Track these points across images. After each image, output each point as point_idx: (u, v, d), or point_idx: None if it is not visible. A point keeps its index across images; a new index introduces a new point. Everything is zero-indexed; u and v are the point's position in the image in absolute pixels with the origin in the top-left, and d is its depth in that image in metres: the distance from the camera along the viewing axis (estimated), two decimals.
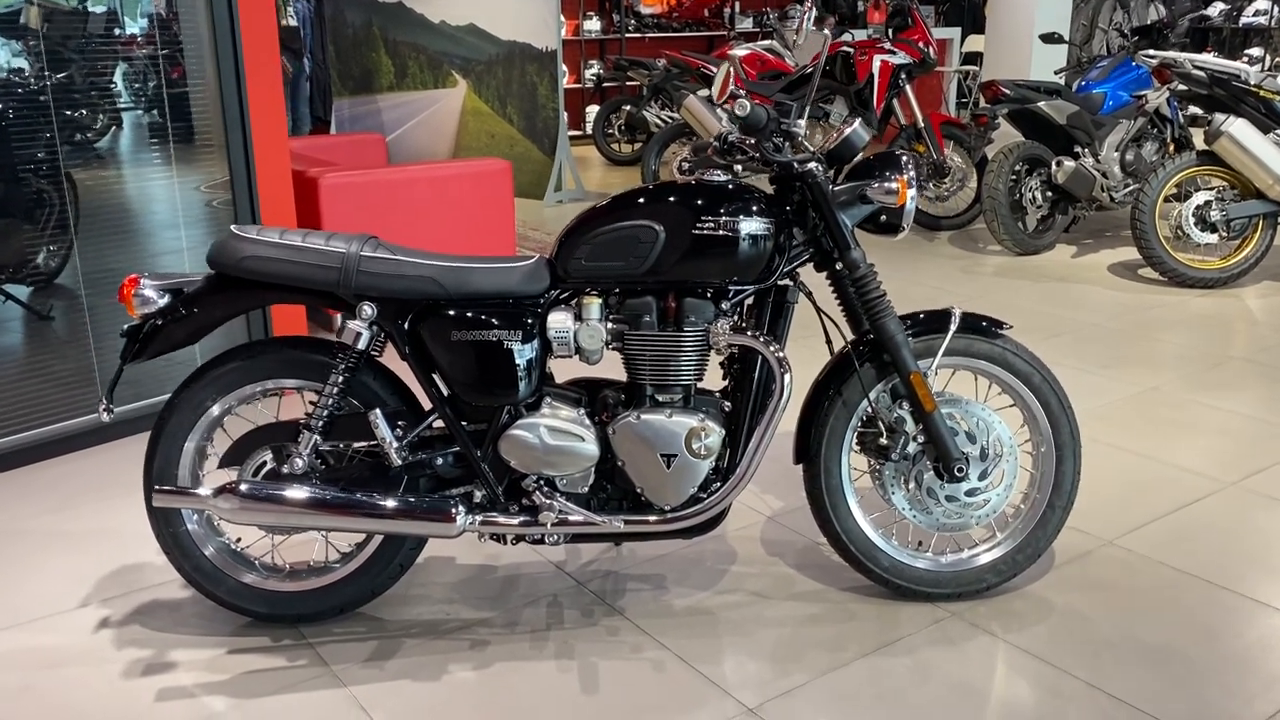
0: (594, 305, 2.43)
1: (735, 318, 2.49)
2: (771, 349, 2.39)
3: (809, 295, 2.59)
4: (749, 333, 2.41)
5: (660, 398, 2.45)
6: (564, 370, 2.57)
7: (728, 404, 2.48)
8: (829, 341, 2.61)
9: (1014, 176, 6.21)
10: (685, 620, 2.56)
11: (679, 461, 2.40)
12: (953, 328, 2.55)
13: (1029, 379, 2.58)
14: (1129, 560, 2.82)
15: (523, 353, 2.39)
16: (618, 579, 2.74)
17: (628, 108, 9.77)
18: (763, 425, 2.41)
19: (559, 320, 2.41)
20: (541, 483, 2.45)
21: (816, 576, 2.74)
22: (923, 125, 6.92)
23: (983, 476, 2.57)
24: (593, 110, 11.25)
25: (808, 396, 2.61)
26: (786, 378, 2.39)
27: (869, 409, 2.56)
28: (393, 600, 2.64)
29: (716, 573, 2.78)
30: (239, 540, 2.56)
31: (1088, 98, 6.30)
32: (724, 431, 2.43)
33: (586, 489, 2.47)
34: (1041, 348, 4.60)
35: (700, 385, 2.54)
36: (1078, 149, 6.23)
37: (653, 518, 2.44)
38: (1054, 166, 6.14)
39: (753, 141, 2.44)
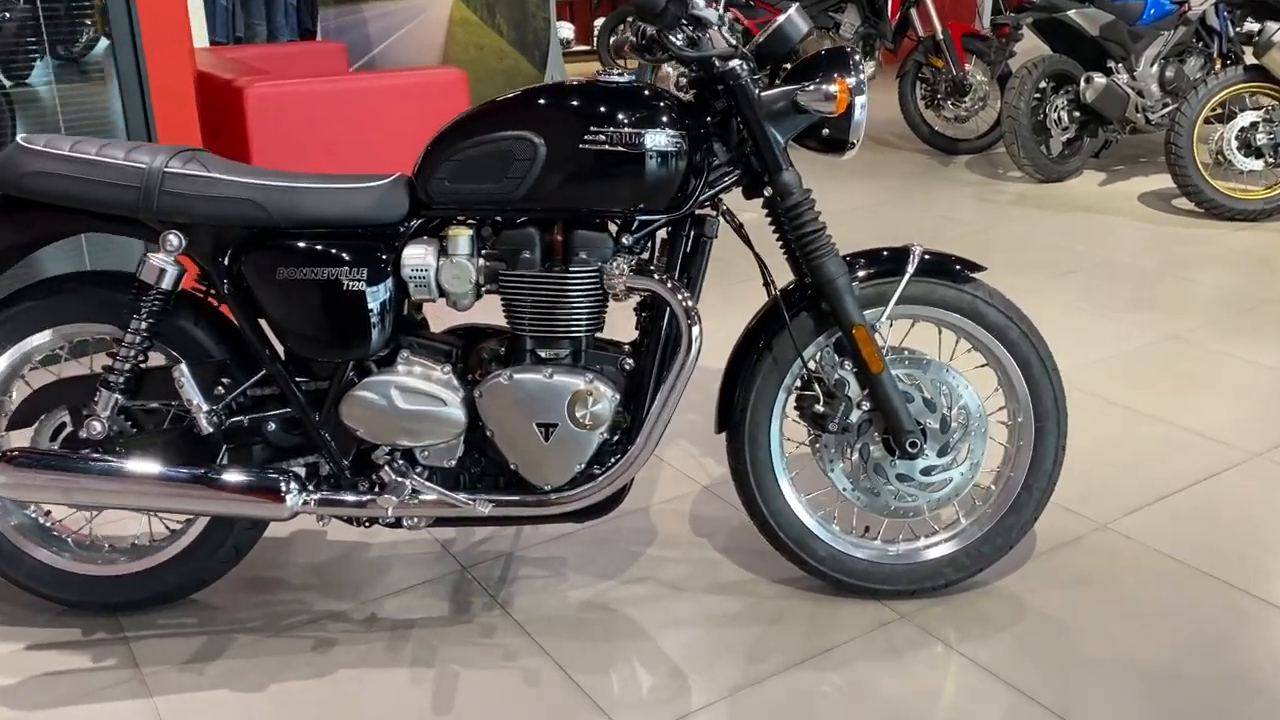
0: (462, 238, 1.96)
1: (642, 255, 2.02)
2: (679, 296, 1.93)
3: (740, 229, 2.11)
4: (654, 274, 1.94)
5: (543, 353, 1.99)
6: (454, 317, 2.12)
7: (631, 362, 2.03)
8: (768, 285, 2.14)
9: (1038, 94, 5.61)
10: (578, 618, 2.14)
11: (560, 432, 1.95)
12: (910, 270, 2.06)
13: (1004, 334, 2.10)
14: (1125, 550, 2.36)
15: (369, 295, 1.94)
16: (511, 563, 2.33)
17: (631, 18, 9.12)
18: (666, 388, 1.95)
19: (415, 256, 1.95)
20: (397, 455, 2.02)
21: (747, 564, 2.31)
22: (942, 38, 6.30)
23: (943, 452, 2.11)
24: (600, 22, 10.60)
25: (733, 352, 2.14)
26: (695, 330, 1.93)
27: (804, 368, 2.10)
28: (236, 584, 2.24)
29: (628, 556, 2.35)
30: (48, 513, 2.16)
31: (1125, 6, 5.64)
32: (619, 396, 1.98)
33: (454, 463, 2.03)
34: (1051, 287, 4.08)
35: (603, 338, 2.09)
36: (1110, 64, 5.60)
37: (530, 499, 2.00)
38: (1083, 83, 5.52)
39: (657, 34, 1.95)
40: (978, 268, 2.11)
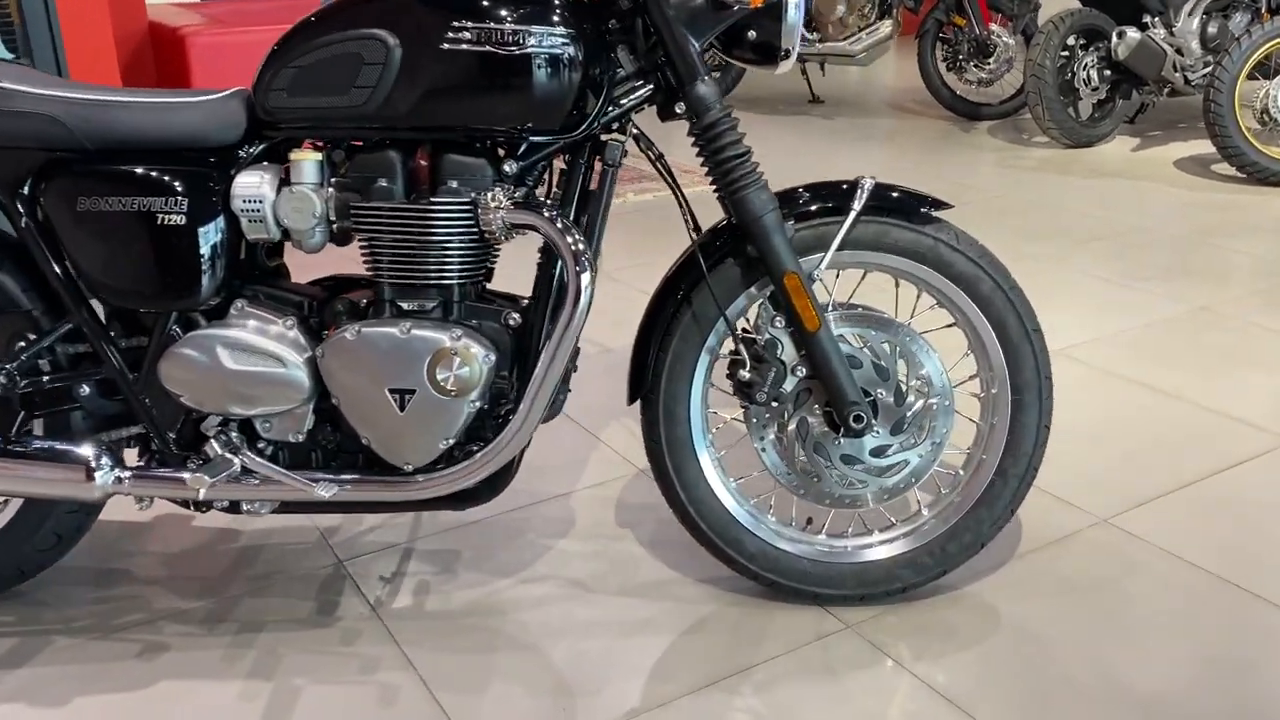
0: (306, 163, 1.62)
1: (528, 186, 1.67)
2: (569, 237, 1.57)
3: (659, 160, 1.75)
4: (540, 209, 1.59)
5: (405, 304, 1.65)
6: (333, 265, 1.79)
7: (517, 317, 1.68)
8: (696, 230, 1.78)
9: (1065, 52, 5.16)
10: (460, 623, 1.80)
11: (418, 400, 1.61)
12: (857, 206, 1.69)
13: (974, 286, 1.72)
14: (1127, 551, 1.98)
15: (192, 232, 1.61)
16: (396, 555, 1.99)
17: None
18: (550, 348, 1.60)
19: (249, 184, 1.62)
20: (232, 427, 1.69)
21: (673, 561, 1.96)
22: None
23: (898, 429, 1.74)
24: None
25: (649, 307, 1.79)
26: (584, 277, 1.57)
27: (728, 326, 1.74)
28: (74, 577, 1.92)
29: (535, 550, 2.01)
30: None
31: None
32: (496, 356, 1.63)
33: (302, 437, 1.69)
34: (1070, 254, 3.67)
35: (495, 291, 1.75)
36: (1146, 18, 5.14)
37: (387, 482, 1.66)
38: (1114, 39, 5.06)
39: None
40: (942, 205, 1.73)
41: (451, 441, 1.64)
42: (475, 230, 1.62)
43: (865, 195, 1.70)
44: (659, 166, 1.76)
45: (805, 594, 1.82)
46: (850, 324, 1.73)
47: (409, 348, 1.59)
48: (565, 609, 1.83)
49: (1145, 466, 2.27)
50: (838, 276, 1.78)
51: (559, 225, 1.58)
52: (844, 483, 1.76)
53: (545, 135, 1.61)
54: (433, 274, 1.62)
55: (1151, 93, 5.34)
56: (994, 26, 5.91)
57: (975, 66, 5.98)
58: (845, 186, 1.72)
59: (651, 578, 1.91)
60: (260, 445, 1.70)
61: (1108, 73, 5.23)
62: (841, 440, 1.74)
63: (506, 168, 1.63)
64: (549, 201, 1.68)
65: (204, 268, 1.62)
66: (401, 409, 1.61)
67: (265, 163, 1.65)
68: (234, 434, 1.67)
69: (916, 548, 1.80)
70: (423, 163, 1.61)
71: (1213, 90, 4.52)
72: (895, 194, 1.73)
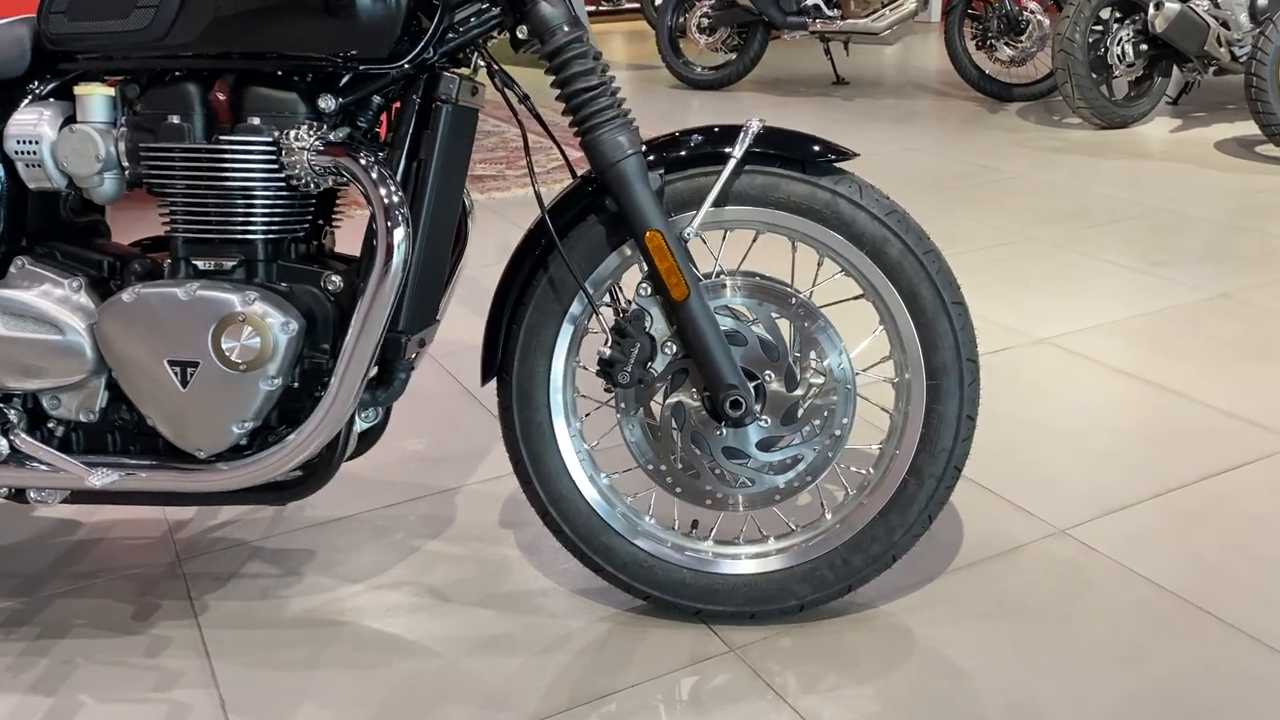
0: (93, 99, 1.40)
1: (359, 128, 1.43)
2: (384, 189, 1.33)
3: (524, 101, 1.50)
4: (358, 152, 1.35)
5: (201, 263, 1.42)
6: None
7: (338, 281, 1.44)
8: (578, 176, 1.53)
9: (1098, 25, 4.80)
10: (285, 636, 1.57)
11: (203, 374, 1.37)
12: (737, 152, 1.42)
13: (881, 251, 1.45)
14: (1081, 566, 1.68)
15: None
16: (243, 554, 1.76)
17: None
18: (358, 317, 1.36)
19: (24, 123, 1.40)
20: (14, 403, 1.47)
21: (549, 567, 1.70)
22: None
23: (789, 419, 1.47)
24: None
25: (503, 274, 1.54)
26: (397, 233, 1.33)
27: (585, 293, 1.48)
28: None
29: (400, 551, 1.77)
30: None
31: None
32: (297, 325, 1.38)
33: (95, 416, 1.47)
34: (1083, 236, 3.34)
35: (339, 253, 1.52)
36: None
37: (172, 470, 1.43)
38: (1151, 10, 4.69)
39: None
40: (844, 153, 1.45)
41: (249, 425, 1.40)
42: (281, 175, 1.38)
43: (749, 139, 1.43)
44: (515, 109, 1.51)
45: (686, 610, 1.56)
46: (733, 294, 1.46)
47: (191, 313, 1.36)
48: (413, 622, 1.59)
49: (1124, 469, 1.97)
50: (724, 238, 1.52)
51: (374, 172, 1.34)
52: (728, 480, 1.49)
53: (369, 65, 1.37)
54: (231, 227, 1.39)
55: (1195, 70, 4.94)
56: (1027, 1, 5.55)
57: (1006, 44, 5.63)
58: (727, 130, 1.45)
59: (520, 587, 1.66)
60: (50, 425, 1.49)
61: (1144, 47, 4.85)
62: (724, 430, 1.48)
63: (323, 104, 1.40)
64: (373, 145, 1.44)
65: None
66: (184, 385, 1.37)
67: (51, 100, 1.44)
68: (12, 411, 1.45)
69: (816, 559, 1.53)
70: (221, 97, 1.38)
71: (1255, 64, 4.14)
72: (787, 139, 1.45)
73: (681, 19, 6.33)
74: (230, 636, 1.56)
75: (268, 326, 1.35)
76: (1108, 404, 2.24)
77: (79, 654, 1.53)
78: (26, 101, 1.43)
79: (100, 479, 1.38)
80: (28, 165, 1.41)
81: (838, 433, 1.48)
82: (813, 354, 1.47)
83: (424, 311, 1.47)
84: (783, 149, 1.44)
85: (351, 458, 1.57)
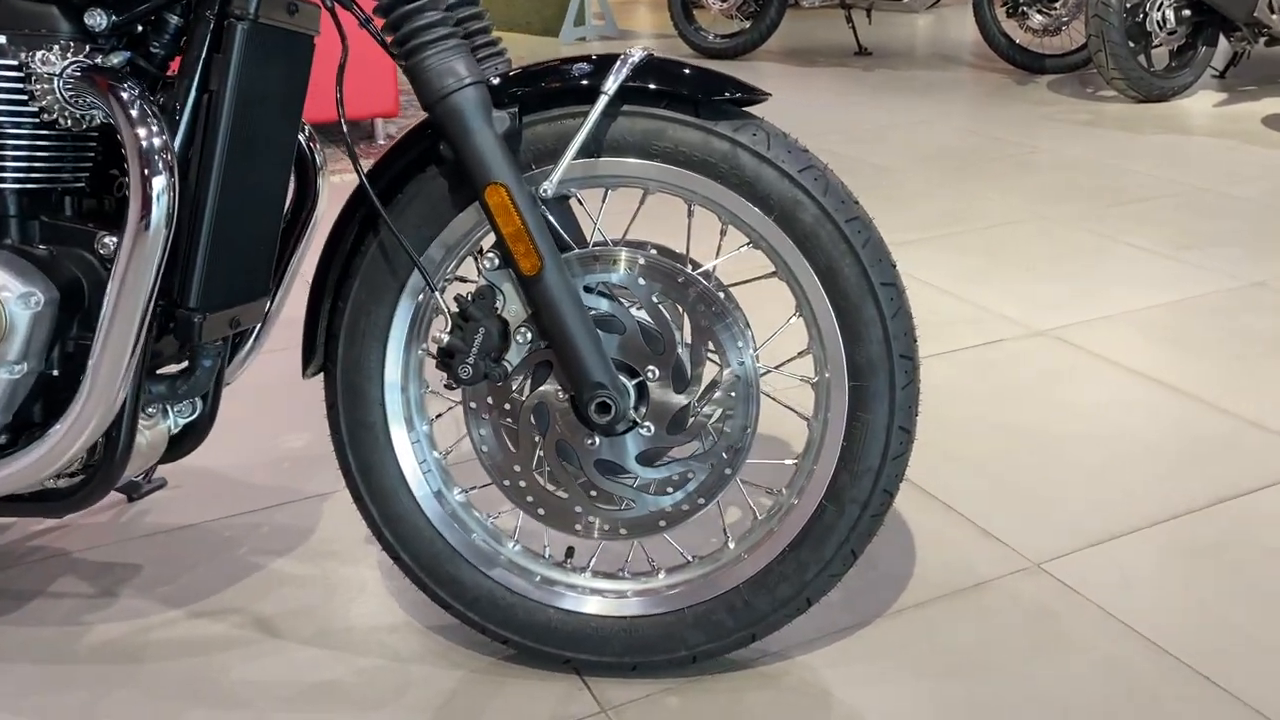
0: None
1: (152, 58, 1.15)
2: (143, 129, 1.04)
3: (363, 20, 1.20)
4: (119, 82, 1.06)
5: None
6: None
7: (114, 242, 1.15)
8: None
9: None
10: (69, 675, 1.29)
11: None
12: (610, 88, 1.12)
13: (792, 216, 1.13)
14: (1051, 609, 1.36)
15: None
16: (59, 566, 1.49)
17: None
18: (111, 287, 1.07)
19: None
20: None
21: (410, 596, 1.40)
22: None
23: (676, 427, 1.17)
24: None
25: (325, 245, 1.25)
26: (156, 183, 1.04)
27: (416, 265, 1.18)
28: None
29: (241, 568, 1.49)
30: None
31: None
32: (44, 297, 1.10)
33: None
34: (1103, 215, 2.99)
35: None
36: None
37: None
38: None
39: None
40: (752, 95, 1.14)
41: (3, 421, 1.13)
42: (33, 110, 1.10)
43: (626, 71, 1.12)
44: (342, 31, 1.21)
45: (553, 658, 1.26)
46: (608, 269, 1.16)
47: None
48: (226, 661, 1.31)
49: (1122, 489, 1.65)
50: (604, 198, 1.22)
51: (132, 108, 1.05)
52: (601, 501, 1.20)
53: None
54: None
55: (1244, 40, 4.54)
56: None
57: (1038, 11, 5.24)
58: (603, 60, 1.15)
59: (366, 620, 1.38)
60: None
61: (1187, 13, 4.45)
62: (596, 440, 1.18)
63: (90, 21, 1.11)
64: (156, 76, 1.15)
65: None
66: None
67: None
68: None
69: (712, 600, 1.23)
70: None
71: None
72: (676, 72, 1.15)
73: None
74: (8, 673, 1.29)
75: (1, 300, 1.07)
76: (1111, 408, 1.91)
77: None
78: None
79: None
80: None
81: (739, 445, 1.17)
82: (709, 345, 1.17)
83: (232, 284, 1.19)
84: (670, 83, 1.13)
85: (170, 459, 1.30)
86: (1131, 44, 4.41)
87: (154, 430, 1.25)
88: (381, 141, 4.03)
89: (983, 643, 1.31)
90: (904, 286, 1.16)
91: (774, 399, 1.26)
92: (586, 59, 1.16)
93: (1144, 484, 1.66)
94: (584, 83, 1.13)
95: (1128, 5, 4.37)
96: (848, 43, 6.14)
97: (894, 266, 1.16)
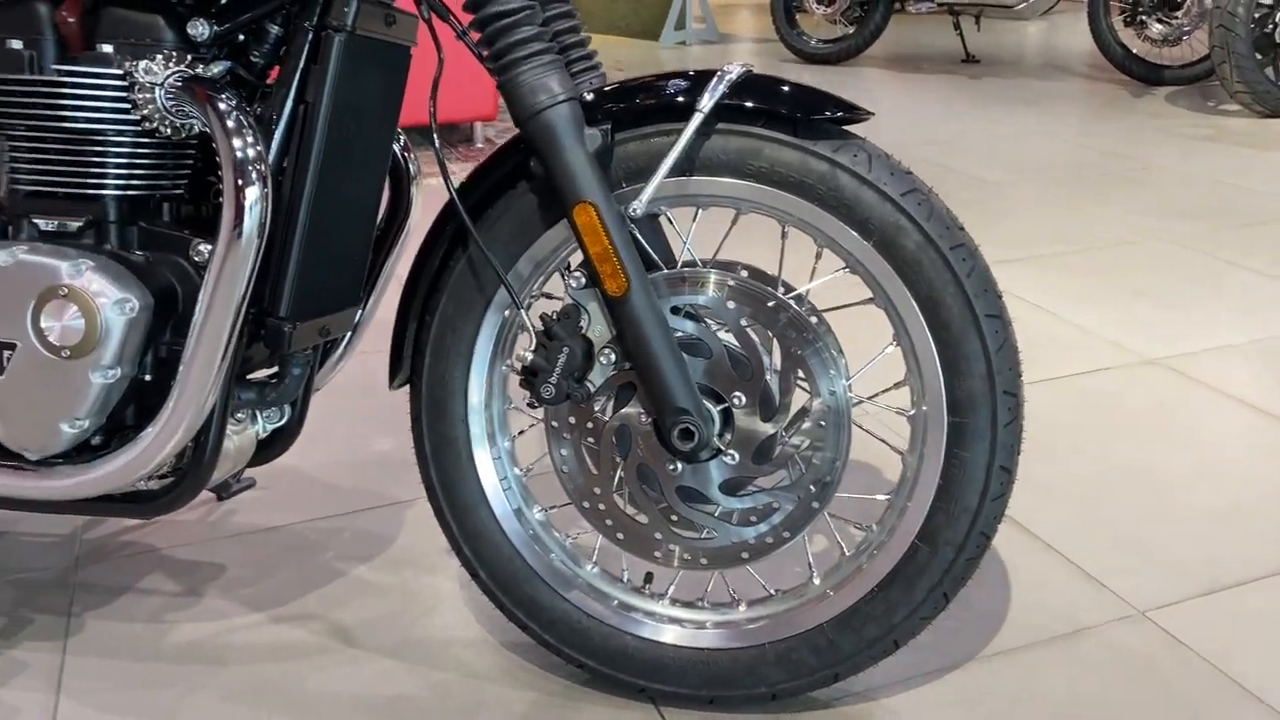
0: None
1: (253, 66, 1.16)
2: (239, 140, 1.05)
3: (464, 37, 1.19)
4: (217, 92, 1.07)
5: (43, 221, 1.17)
6: None
7: (207, 249, 1.15)
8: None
9: None
10: (154, 674, 1.30)
11: (20, 359, 1.11)
12: (705, 104, 1.08)
13: (893, 241, 1.09)
14: (1156, 663, 1.29)
15: None
16: (148, 563, 1.52)
17: None
18: (204, 295, 1.08)
19: None
20: None
21: (482, 611, 1.39)
22: None
23: (763, 456, 1.13)
24: None
25: (414, 261, 1.24)
26: (249, 193, 1.04)
27: (502, 281, 1.16)
28: None
29: (324, 574, 1.49)
30: None
31: None
32: (139, 304, 1.11)
33: None
34: (1217, 240, 2.85)
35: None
36: None
37: (11, 469, 1.18)
38: None
39: None
40: (853, 112, 1.10)
41: (84, 424, 1.13)
42: (135, 119, 1.12)
43: (723, 89, 1.09)
44: (438, 42, 1.20)
45: (628, 686, 1.23)
46: (697, 290, 1.13)
47: (9, 283, 1.10)
48: (303, 669, 1.31)
49: (1240, 533, 1.55)
50: (696, 217, 1.18)
51: (229, 118, 1.06)
52: (682, 528, 1.16)
53: None
54: (75, 179, 1.13)
55: None
56: None
57: (1158, 20, 5.04)
58: (699, 76, 1.11)
59: (443, 633, 1.37)
60: None
61: None
62: (679, 466, 1.15)
63: (193, 31, 1.12)
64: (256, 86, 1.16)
65: None
66: (0, 370, 1.12)
67: None
68: None
69: (795, 637, 1.18)
70: (69, 19, 1.12)
71: None
72: (774, 89, 1.11)
73: None
74: (93, 668, 1.32)
75: (96, 306, 1.09)
76: (1227, 446, 1.81)
77: None
78: None
79: None
80: None
81: (828, 478, 1.13)
82: (800, 373, 1.13)
83: (323, 294, 1.19)
84: (768, 101, 1.09)
85: (258, 463, 1.31)
86: (1259, 55, 4.22)
87: (242, 435, 1.26)
88: (480, 145, 4.06)
89: (1079, 695, 1.24)
90: (1010, 319, 1.10)
91: (866, 430, 1.21)
92: (682, 75, 1.13)
93: (1263, 531, 1.56)
94: (679, 100, 1.10)
95: (1255, 15, 4.17)
96: (955, 50, 6.00)
97: (999, 297, 1.10)
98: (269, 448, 1.31)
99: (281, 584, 1.48)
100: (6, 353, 1.11)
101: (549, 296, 1.23)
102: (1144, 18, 5.07)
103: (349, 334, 1.35)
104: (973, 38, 6.00)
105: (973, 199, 3.26)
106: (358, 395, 1.90)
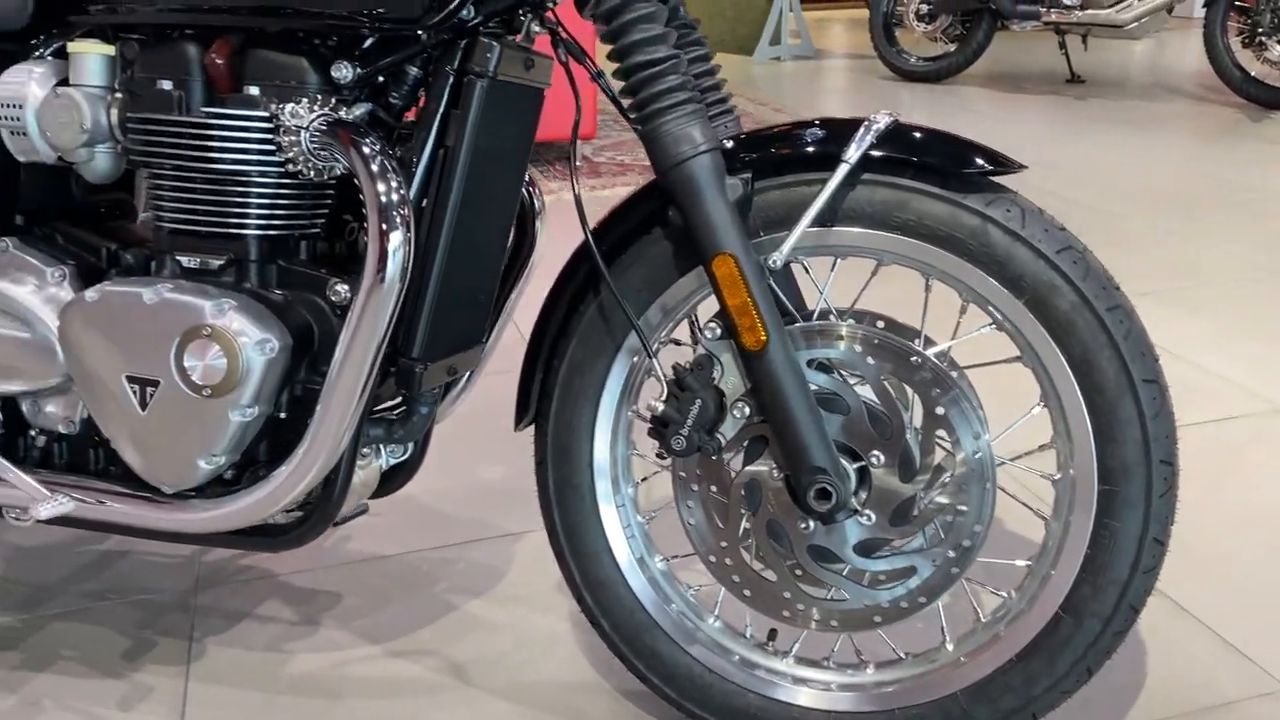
0: (88, 58, 1.19)
1: (392, 106, 1.16)
2: (383, 184, 1.05)
3: (599, 79, 1.18)
4: (361, 136, 1.07)
5: (186, 259, 1.18)
6: None
7: (344, 290, 1.16)
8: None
9: None
10: (273, 705, 1.31)
11: (163, 396, 1.13)
12: (852, 155, 1.05)
13: (1045, 301, 1.04)
14: None
15: None
16: (266, 588, 1.53)
17: None
18: (345, 336, 1.08)
19: (8, 85, 1.20)
20: None
21: (596, 655, 1.37)
22: None
23: (900, 517, 1.09)
24: None
25: (544, 305, 1.23)
26: (393, 238, 1.04)
27: (635, 329, 1.14)
28: None
29: (436, 607, 1.49)
30: None
31: None
32: (279, 343, 1.12)
33: (77, 427, 1.27)
34: None
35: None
36: None
37: (143, 501, 1.20)
38: None
39: None
40: (1004, 164, 1.06)
41: (220, 460, 1.15)
42: (279, 160, 1.13)
43: (870, 139, 1.06)
44: (576, 88, 1.19)
45: None
46: (834, 344, 1.10)
47: (154, 321, 1.12)
48: (418, 707, 1.31)
49: None
50: (834, 267, 1.15)
51: (374, 162, 1.06)
52: (813, 588, 1.13)
53: (394, 26, 1.09)
54: (218, 218, 1.14)
55: None
56: None
57: (1278, 42, 4.85)
58: (845, 125, 1.09)
59: (557, 676, 1.36)
60: (32, 435, 1.29)
61: None
62: (811, 524, 1.12)
63: (337, 74, 1.13)
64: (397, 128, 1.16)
65: None
66: (143, 406, 1.14)
67: (51, 58, 1.24)
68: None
69: (926, 704, 1.14)
70: (218, 61, 1.14)
71: None
72: (923, 140, 1.07)
73: (898, 5, 5.83)
74: (216, 696, 1.33)
75: (238, 346, 1.09)
76: None
77: (51, 693, 1.34)
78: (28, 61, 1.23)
79: (49, 509, 1.16)
80: (12, 133, 1.21)
81: (967, 542, 1.09)
82: (941, 432, 1.09)
83: (452, 334, 1.19)
84: (916, 153, 1.06)
85: (380, 495, 1.31)
86: None
87: (368, 470, 1.27)
88: (578, 164, 4.07)
89: None
90: (1167, 385, 1.05)
91: (1009, 494, 1.17)
92: (824, 122, 1.10)
93: None
94: (824, 149, 1.07)
95: None
96: (1059, 69, 5.85)
97: (1157, 360, 1.05)
98: (390, 481, 1.32)
99: (395, 616, 1.48)
100: (150, 389, 1.13)
101: (677, 343, 1.21)
102: (1264, 39, 4.89)
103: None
104: (1078, 56, 5.85)
105: (1081, 229, 3.15)
106: (466, 420, 1.91)
